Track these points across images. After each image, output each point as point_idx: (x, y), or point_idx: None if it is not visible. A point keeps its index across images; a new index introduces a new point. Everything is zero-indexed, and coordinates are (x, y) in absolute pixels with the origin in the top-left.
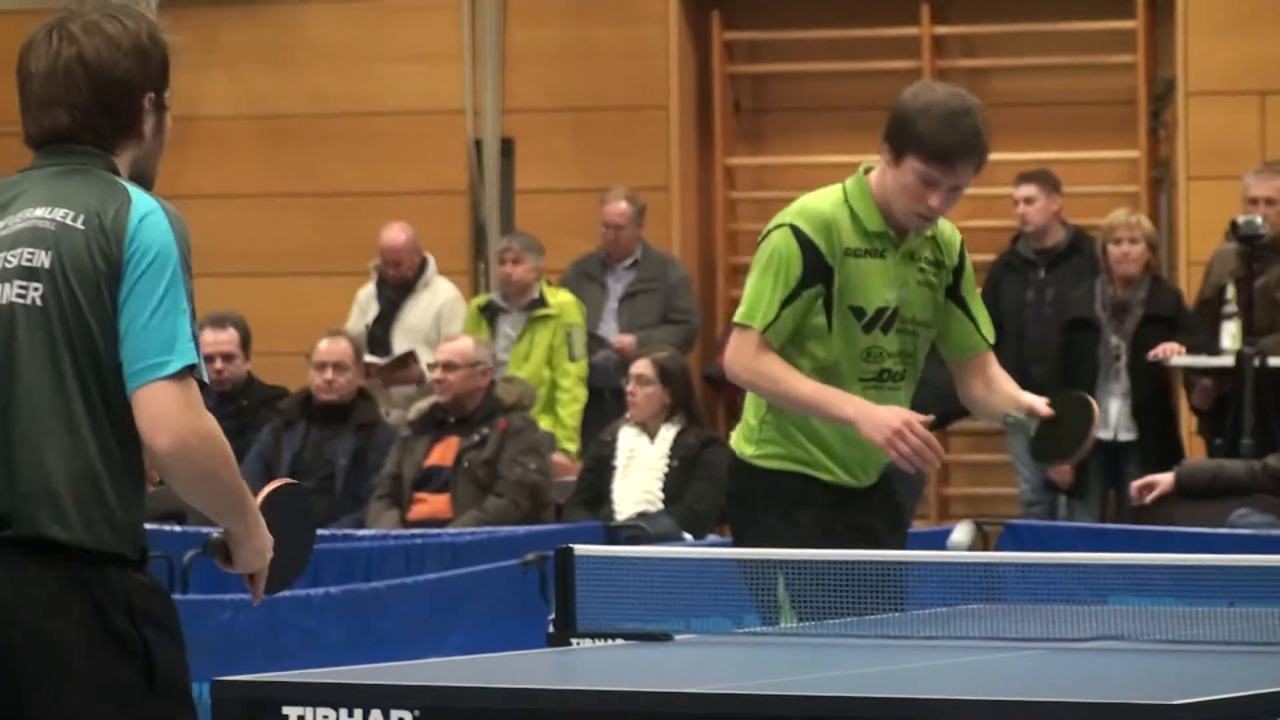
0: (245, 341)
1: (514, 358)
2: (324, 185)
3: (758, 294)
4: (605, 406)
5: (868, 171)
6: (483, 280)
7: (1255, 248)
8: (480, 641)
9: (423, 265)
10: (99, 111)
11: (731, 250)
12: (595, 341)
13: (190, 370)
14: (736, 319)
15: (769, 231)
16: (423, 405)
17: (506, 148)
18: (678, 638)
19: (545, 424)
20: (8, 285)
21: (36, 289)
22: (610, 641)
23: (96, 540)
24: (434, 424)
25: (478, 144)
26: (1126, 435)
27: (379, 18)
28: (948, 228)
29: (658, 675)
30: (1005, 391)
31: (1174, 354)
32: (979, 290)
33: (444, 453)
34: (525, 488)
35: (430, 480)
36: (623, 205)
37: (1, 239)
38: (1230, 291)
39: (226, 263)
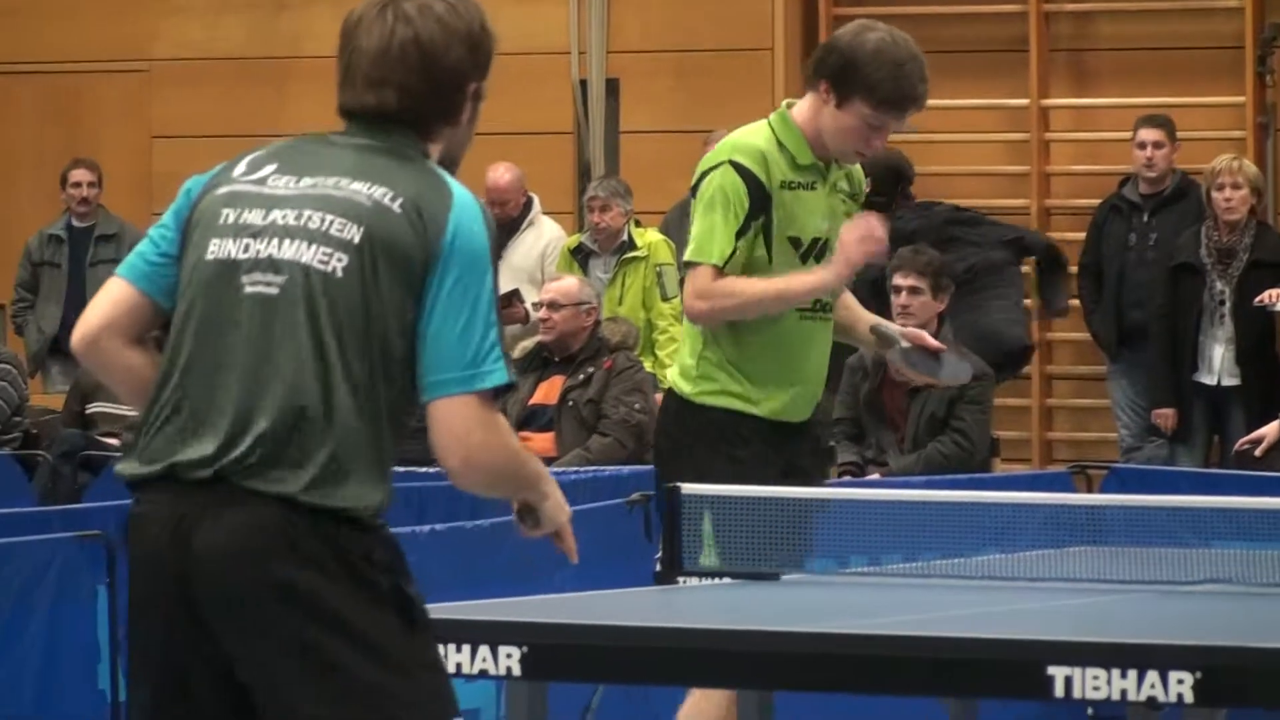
0: None
1: (607, 301)
2: None
3: (707, 231)
4: None
5: (789, 107)
6: (587, 220)
7: None
8: (585, 580)
9: (528, 205)
10: (428, 95)
11: None
12: None
13: (504, 390)
14: (687, 258)
15: (706, 171)
16: (527, 344)
17: (611, 88)
18: (785, 577)
19: (645, 365)
20: (310, 247)
21: (341, 260)
22: (717, 580)
23: (341, 501)
24: (539, 363)
25: (583, 84)
26: (1230, 380)
27: None
28: None
29: (766, 614)
30: (859, 310)
31: (1278, 300)
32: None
33: (548, 392)
34: (630, 427)
35: (534, 419)
36: None
37: (307, 197)
38: None
39: None
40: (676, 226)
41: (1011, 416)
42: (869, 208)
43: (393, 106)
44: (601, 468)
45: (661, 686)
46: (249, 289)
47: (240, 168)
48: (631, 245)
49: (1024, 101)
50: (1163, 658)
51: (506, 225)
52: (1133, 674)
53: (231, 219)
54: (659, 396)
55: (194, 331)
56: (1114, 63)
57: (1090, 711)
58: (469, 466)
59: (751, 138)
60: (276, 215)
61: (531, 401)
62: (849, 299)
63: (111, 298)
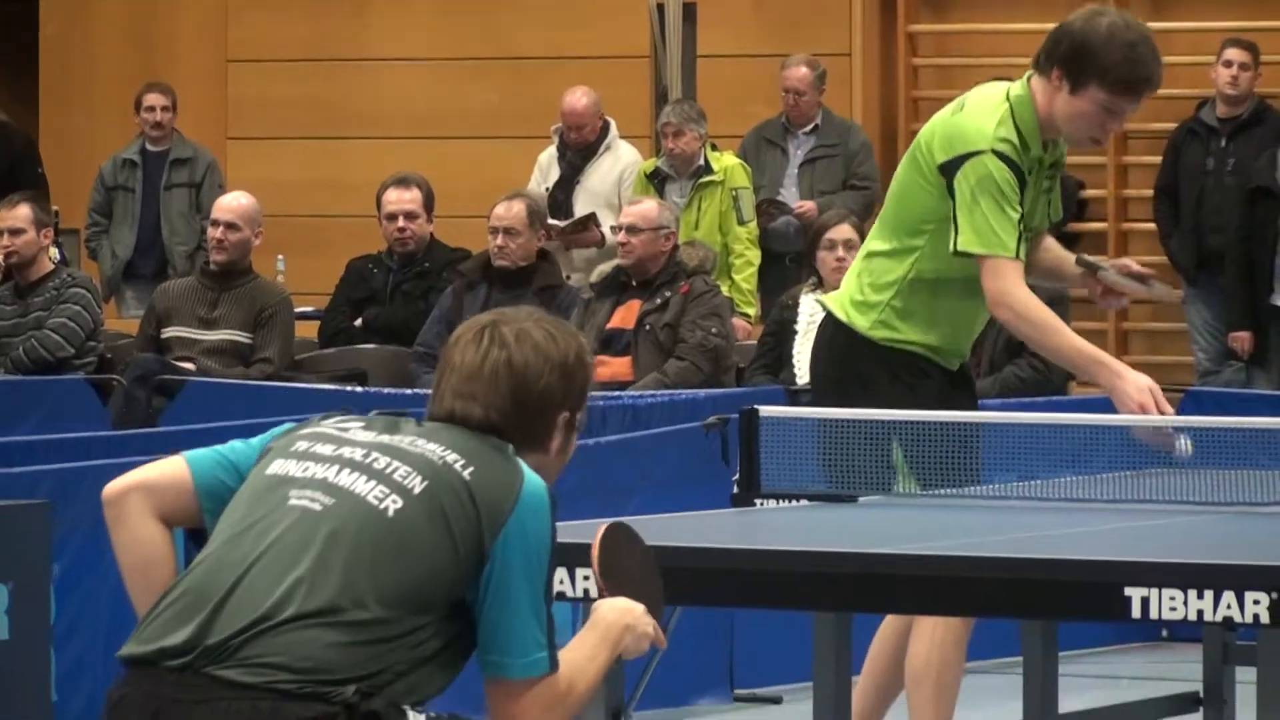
0: (429, 202)
1: (684, 225)
2: (506, 49)
3: (992, 222)
4: (785, 272)
5: (1024, 86)
6: (662, 145)
7: None
8: (661, 503)
9: (605, 129)
10: (514, 416)
11: (914, 117)
12: (775, 206)
13: (550, 674)
14: (981, 250)
15: (964, 158)
16: (605, 268)
17: (689, 12)
18: (862, 499)
19: (724, 287)
20: (369, 482)
21: (397, 503)
22: (795, 503)
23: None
24: (616, 287)
25: (660, 8)
26: None
27: None
28: None
29: (845, 535)
30: (1061, 250)
31: None
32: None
33: (625, 316)
34: (706, 351)
35: (612, 343)
36: (803, 70)
37: (380, 445)
38: None
39: (409, 126)
40: (753, 151)
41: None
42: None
43: (478, 418)
44: (677, 391)
45: (737, 608)
46: (294, 501)
47: (331, 420)
48: (708, 169)
49: None
50: (1239, 578)
51: (583, 149)
52: (1209, 595)
53: (303, 448)
54: (735, 320)
55: (228, 533)
56: None
57: (1165, 633)
58: None
59: (1001, 126)
60: (345, 450)
61: (609, 326)
62: (1049, 241)
63: (166, 470)
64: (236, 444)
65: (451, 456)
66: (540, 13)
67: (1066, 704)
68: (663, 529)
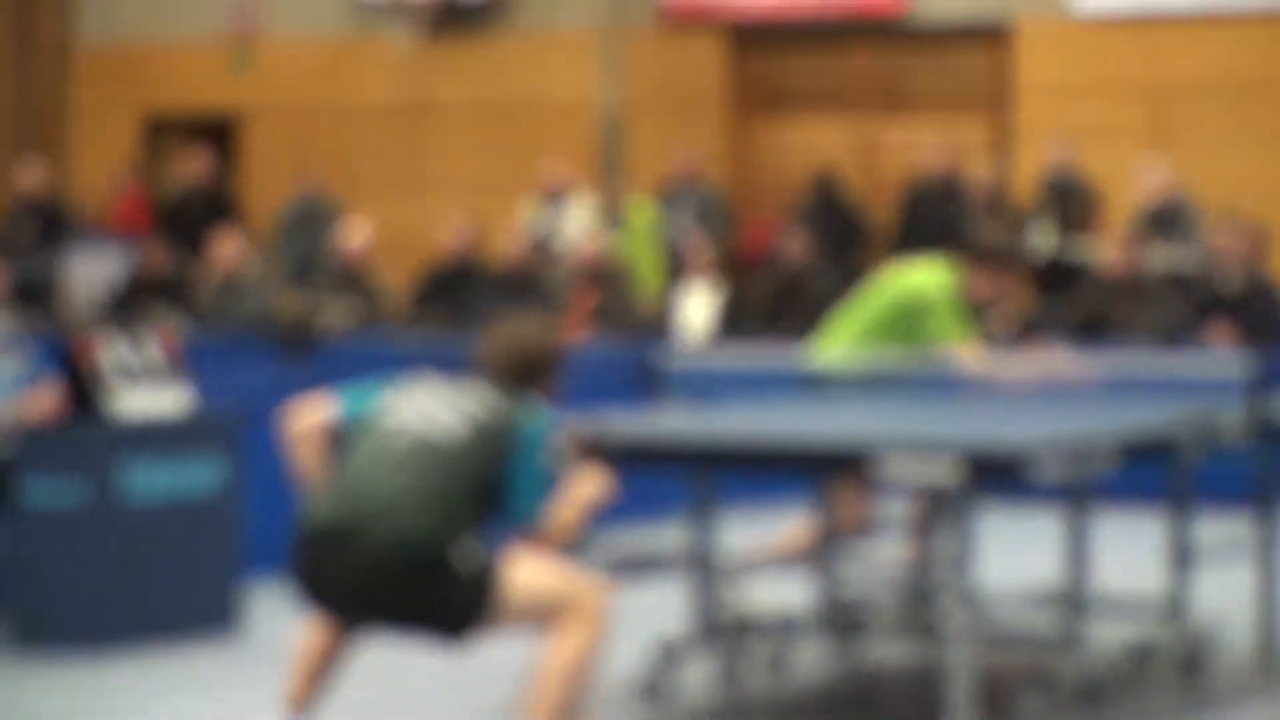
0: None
1: (617, 249)
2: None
3: (952, 320)
4: (676, 276)
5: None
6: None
7: (1060, 185)
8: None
9: (570, 186)
10: (526, 377)
11: (752, 184)
12: (670, 238)
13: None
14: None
15: (918, 286)
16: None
17: (622, 125)
18: (720, 406)
19: (639, 287)
20: (446, 413)
21: (459, 430)
22: (680, 407)
23: (439, 556)
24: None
25: (604, 121)
26: None
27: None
28: None
29: (705, 424)
30: None
31: None
32: None
33: (579, 303)
34: None
35: None
36: (683, 157)
37: (451, 388)
38: (1043, 210)
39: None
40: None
41: None
42: None
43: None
44: None
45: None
46: (406, 436)
47: (419, 380)
48: (630, 216)
49: (863, 129)
50: (941, 450)
51: (555, 200)
52: (926, 460)
53: (405, 405)
54: (648, 307)
55: (368, 456)
56: None
57: (898, 485)
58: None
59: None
60: (428, 406)
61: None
62: None
63: (329, 415)
64: (371, 390)
65: (490, 395)
66: (533, 118)
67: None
68: (605, 420)
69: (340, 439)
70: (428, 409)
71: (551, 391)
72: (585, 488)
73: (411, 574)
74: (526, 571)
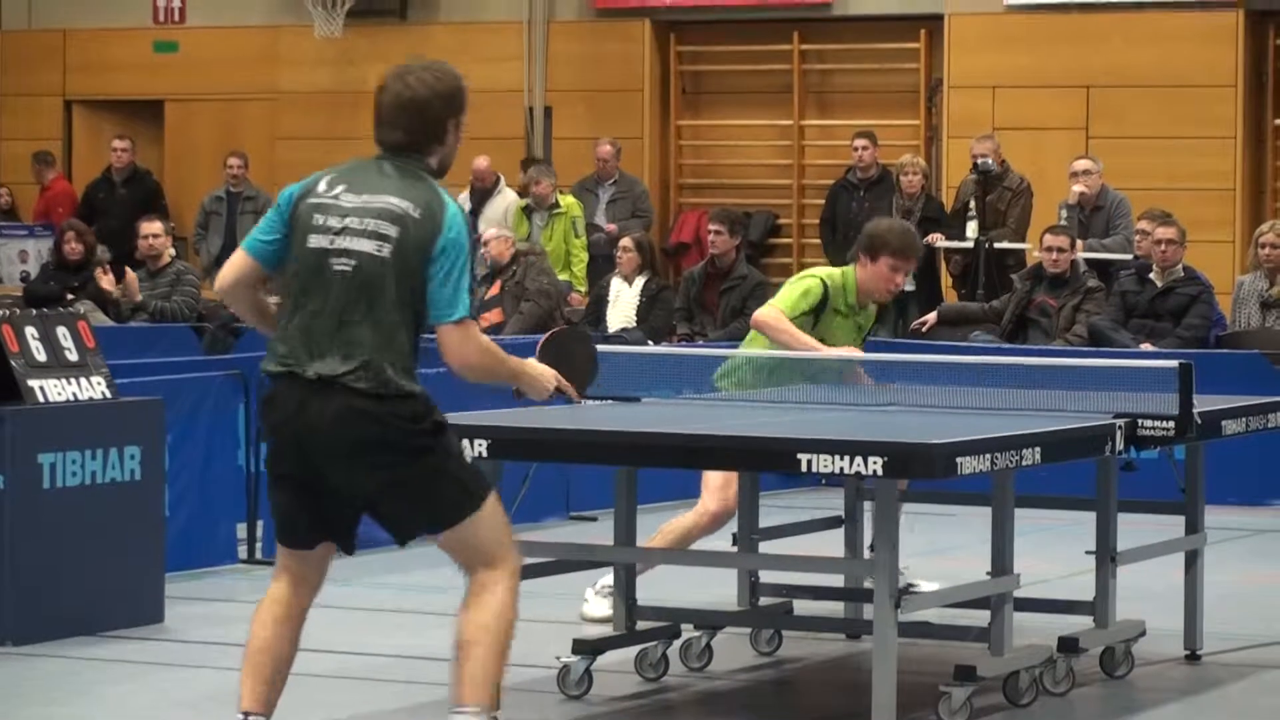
0: None
1: (543, 238)
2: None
3: (789, 297)
4: (600, 266)
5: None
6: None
7: (988, 179)
8: (526, 403)
9: (496, 181)
10: (420, 128)
11: (680, 174)
12: (594, 228)
13: (468, 319)
14: (771, 303)
15: (806, 276)
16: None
17: (548, 111)
18: (644, 400)
19: (564, 276)
20: (367, 240)
21: (384, 247)
22: (605, 402)
23: (398, 389)
24: (490, 274)
25: (530, 109)
26: (909, 287)
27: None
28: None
29: (631, 421)
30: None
31: (938, 240)
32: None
33: (495, 288)
34: (542, 292)
35: (489, 304)
36: (608, 148)
37: (367, 208)
38: (971, 204)
39: None
40: (580, 194)
41: None
42: None
43: (402, 141)
44: (535, 335)
45: (571, 464)
46: (335, 268)
47: (321, 185)
48: (557, 206)
49: (789, 122)
50: (865, 448)
51: (484, 193)
52: (849, 458)
53: (321, 222)
54: (572, 295)
55: (304, 290)
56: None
57: (823, 481)
58: (462, 365)
59: (834, 277)
60: (349, 221)
61: (488, 295)
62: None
63: (237, 262)
64: (261, 223)
65: (406, 204)
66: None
67: (766, 522)
68: (524, 416)
69: (270, 276)
70: (342, 241)
71: (456, 140)
72: (525, 370)
73: (366, 403)
74: (488, 507)
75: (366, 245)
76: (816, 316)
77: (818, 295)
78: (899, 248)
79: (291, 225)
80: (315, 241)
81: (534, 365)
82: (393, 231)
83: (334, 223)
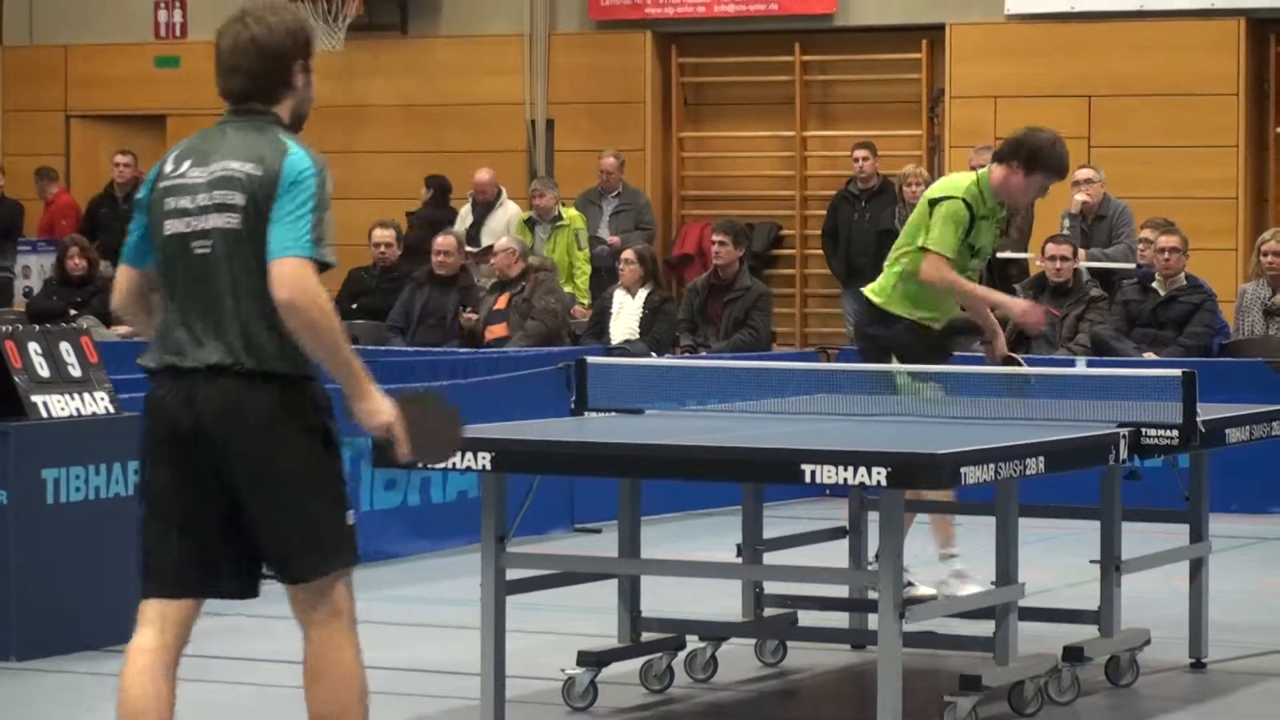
0: (399, 236)
1: (546, 250)
2: (438, 145)
3: (943, 235)
4: (604, 278)
5: (986, 171)
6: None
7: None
8: (531, 415)
9: (499, 193)
10: (262, 72)
11: (681, 186)
12: (598, 240)
13: (305, 258)
14: (929, 247)
15: (943, 199)
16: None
17: (549, 124)
18: (647, 412)
19: (568, 288)
20: (217, 215)
21: (233, 220)
22: (608, 414)
23: (289, 368)
24: (498, 285)
25: (532, 121)
26: None
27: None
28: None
29: (635, 433)
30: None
31: None
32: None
33: (503, 301)
34: (549, 311)
35: (496, 317)
36: (612, 160)
37: (212, 180)
38: None
39: (391, 191)
40: (583, 207)
41: (783, 317)
42: None
43: (245, 86)
44: (540, 348)
45: (574, 477)
46: (197, 252)
47: (169, 165)
48: (560, 218)
49: (790, 133)
50: (868, 459)
51: (487, 205)
52: (852, 468)
53: (173, 206)
54: (575, 308)
55: (171, 281)
56: (848, 109)
57: (827, 491)
58: (289, 299)
59: (971, 188)
60: (200, 198)
61: (495, 307)
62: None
63: (120, 277)
64: (132, 224)
65: (249, 166)
66: (463, 122)
67: (770, 533)
68: (530, 429)
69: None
70: (198, 221)
71: (308, 85)
72: (371, 395)
73: (239, 384)
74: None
75: (218, 220)
76: (967, 232)
77: (966, 219)
78: (1058, 169)
79: (151, 216)
80: (171, 228)
81: (374, 387)
82: (239, 199)
83: (186, 203)
